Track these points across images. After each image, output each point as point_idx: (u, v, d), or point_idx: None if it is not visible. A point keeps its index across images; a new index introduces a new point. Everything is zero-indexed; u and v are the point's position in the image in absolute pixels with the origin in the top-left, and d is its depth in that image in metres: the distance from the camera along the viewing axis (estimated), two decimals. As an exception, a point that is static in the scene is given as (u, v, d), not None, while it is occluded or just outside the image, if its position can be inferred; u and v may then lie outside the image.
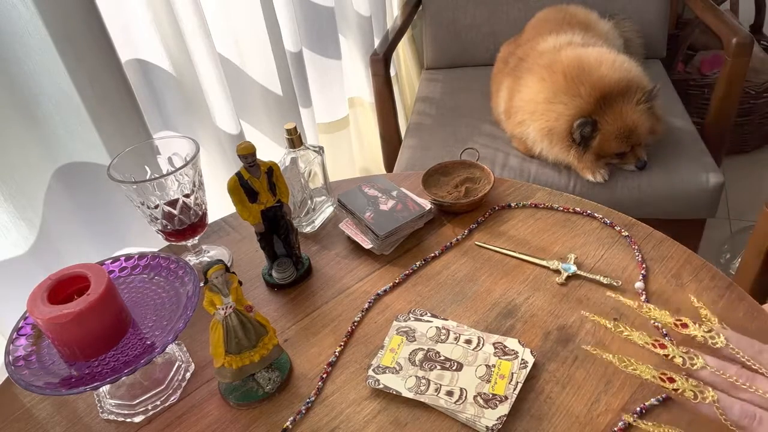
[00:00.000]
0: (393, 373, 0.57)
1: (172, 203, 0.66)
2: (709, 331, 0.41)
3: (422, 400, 0.54)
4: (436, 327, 0.61)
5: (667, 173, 1.24)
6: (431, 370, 0.56)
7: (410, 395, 0.54)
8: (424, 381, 0.55)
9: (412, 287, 0.68)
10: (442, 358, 0.57)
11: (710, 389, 0.38)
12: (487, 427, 0.51)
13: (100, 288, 0.51)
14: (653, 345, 0.40)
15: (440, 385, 0.55)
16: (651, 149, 1.26)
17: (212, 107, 1.10)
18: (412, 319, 0.62)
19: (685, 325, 0.41)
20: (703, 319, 0.43)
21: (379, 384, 0.56)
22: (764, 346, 0.40)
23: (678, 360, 0.40)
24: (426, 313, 0.63)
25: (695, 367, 0.39)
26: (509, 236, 0.73)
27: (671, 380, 0.39)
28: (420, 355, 0.58)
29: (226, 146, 1.15)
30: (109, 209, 0.92)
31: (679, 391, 0.38)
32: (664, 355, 0.40)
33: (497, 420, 0.51)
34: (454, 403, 0.53)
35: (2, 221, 0.78)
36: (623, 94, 1.16)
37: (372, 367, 0.58)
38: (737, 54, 1.29)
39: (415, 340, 0.60)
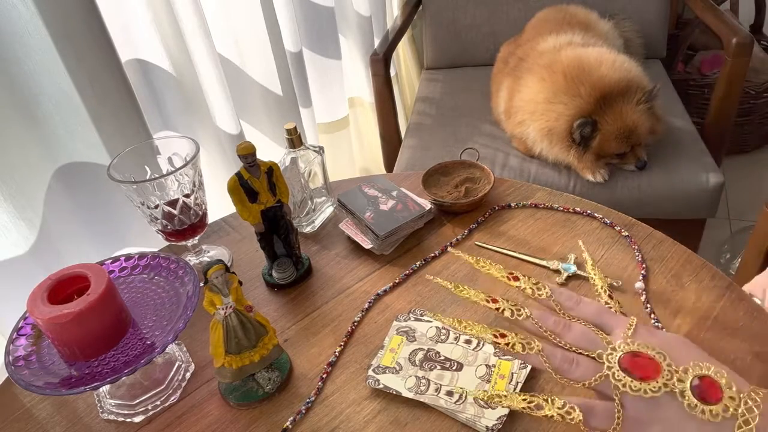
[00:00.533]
0: (393, 373, 0.57)
1: (172, 203, 0.66)
2: (537, 284, 0.46)
3: (422, 400, 0.54)
4: (436, 327, 0.61)
5: (667, 173, 1.24)
6: (431, 370, 0.56)
7: (410, 395, 0.54)
8: (424, 381, 0.55)
9: (412, 287, 0.68)
10: (442, 358, 0.57)
11: (536, 340, 0.43)
12: (487, 427, 0.51)
13: (100, 288, 0.51)
14: (487, 300, 0.46)
15: (440, 385, 0.55)
16: (651, 149, 1.26)
17: (212, 107, 1.10)
18: (412, 319, 0.62)
19: (516, 278, 0.47)
20: (592, 273, 0.49)
21: (379, 384, 0.56)
22: (582, 298, 0.46)
23: (507, 313, 0.44)
24: (426, 313, 0.63)
25: (521, 318, 0.44)
26: (509, 236, 0.73)
27: (503, 336, 0.43)
28: (420, 355, 0.58)
29: (226, 146, 1.15)
30: (109, 209, 0.92)
31: (510, 345, 0.43)
32: (496, 308, 0.45)
33: (497, 420, 0.51)
34: (454, 403, 0.53)
35: (2, 221, 0.78)
36: (623, 94, 1.16)
37: (372, 367, 0.58)
38: (737, 54, 1.29)
39: (415, 340, 0.60)
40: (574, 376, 0.41)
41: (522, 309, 0.45)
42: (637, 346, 0.40)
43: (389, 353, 0.59)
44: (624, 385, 0.39)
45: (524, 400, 0.42)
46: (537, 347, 0.43)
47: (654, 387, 0.38)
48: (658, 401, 0.39)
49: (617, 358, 0.40)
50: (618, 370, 0.40)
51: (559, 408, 0.41)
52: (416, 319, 0.62)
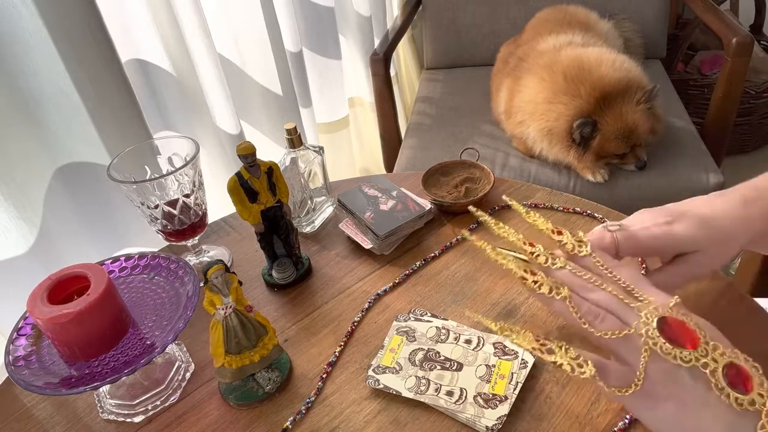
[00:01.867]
0: (393, 373, 0.57)
1: (172, 203, 0.66)
2: (579, 241, 0.44)
3: (422, 400, 0.54)
4: (436, 327, 0.61)
5: (667, 173, 1.24)
6: (431, 370, 0.56)
7: (410, 395, 0.54)
8: (424, 381, 0.55)
9: (412, 287, 0.68)
10: (442, 358, 0.57)
11: (566, 287, 0.41)
12: (487, 427, 0.51)
13: (100, 288, 0.51)
14: (523, 242, 0.44)
15: (440, 385, 0.55)
16: (651, 149, 1.26)
17: (212, 107, 1.10)
18: (412, 319, 0.62)
19: (560, 233, 0.45)
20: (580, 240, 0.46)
21: (379, 384, 0.56)
22: (622, 263, 0.43)
23: (542, 258, 0.43)
24: (426, 313, 0.63)
25: (555, 267, 0.42)
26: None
27: (533, 273, 0.42)
28: (420, 355, 0.58)
29: (226, 146, 1.16)
30: (109, 209, 0.92)
31: (538, 284, 0.41)
32: (531, 252, 0.43)
33: (497, 420, 0.51)
34: (454, 403, 0.53)
35: (2, 221, 0.78)
36: (623, 94, 1.16)
37: (372, 367, 0.58)
38: (737, 54, 1.29)
39: (415, 340, 0.60)
40: (599, 328, 0.39)
41: (558, 258, 0.42)
42: (681, 315, 0.38)
43: (389, 353, 0.59)
44: (656, 344, 0.37)
45: (537, 341, 0.40)
46: (565, 293, 0.41)
47: (686, 357, 0.36)
48: (681, 379, 0.37)
49: (657, 316, 0.38)
50: (654, 329, 0.37)
51: (572, 358, 0.39)
52: (416, 319, 0.62)
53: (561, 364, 0.39)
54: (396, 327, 0.62)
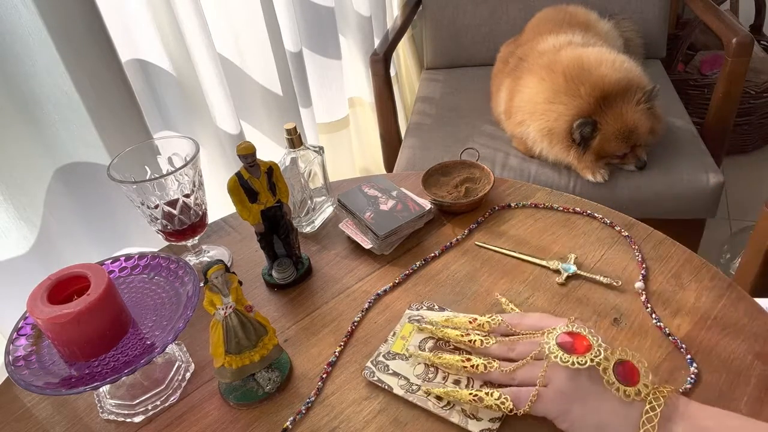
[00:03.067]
0: (402, 359, 0.57)
1: (172, 203, 0.66)
2: (492, 318, 0.56)
3: (411, 399, 0.54)
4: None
5: (667, 173, 1.24)
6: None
7: (401, 393, 0.54)
8: (432, 369, 0.56)
9: (412, 287, 0.68)
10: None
11: (496, 361, 0.52)
12: (482, 430, 0.50)
13: (100, 288, 0.51)
14: (460, 336, 0.56)
15: (448, 373, 0.55)
16: (651, 149, 1.26)
17: (212, 107, 1.10)
18: (425, 308, 0.63)
19: (475, 320, 0.57)
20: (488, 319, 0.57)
21: (374, 376, 0.56)
22: (524, 314, 0.56)
23: (478, 343, 0.55)
24: (434, 306, 0.63)
25: (490, 345, 0.54)
26: (509, 236, 0.73)
27: (468, 360, 0.53)
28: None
29: (226, 146, 1.16)
30: (109, 209, 0.92)
31: (475, 366, 0.52)
32: (470, 341, 0.55)
33: (490, 422, 0.51)
34: (442, 407, 0.52)
35: (2, 222, 0.78)
36: (623, 94, 1.16)
37: (381, 354, 0.58)
38: (737, 54, 1.29)
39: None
40: (520, 377, 0.50)
41: (490, 339, 0.54)
42: (575, 328, 0.48)
43: (400, 340, 0.59)
44: (556, 357, 0.46)
45: (470, 394, 0.50)
46: (498, 365, 0.51)
47: (582, 360, 0.45)
48: (581, 381, 0.45)
49: (556, 335, 0.48)
50: (554, 344, 0.47)
51: (495, 399, 0.49)
52: (428, 308, 0.63)
53: (490, 406, 0.49)
54: (408, 315, 0.62)
